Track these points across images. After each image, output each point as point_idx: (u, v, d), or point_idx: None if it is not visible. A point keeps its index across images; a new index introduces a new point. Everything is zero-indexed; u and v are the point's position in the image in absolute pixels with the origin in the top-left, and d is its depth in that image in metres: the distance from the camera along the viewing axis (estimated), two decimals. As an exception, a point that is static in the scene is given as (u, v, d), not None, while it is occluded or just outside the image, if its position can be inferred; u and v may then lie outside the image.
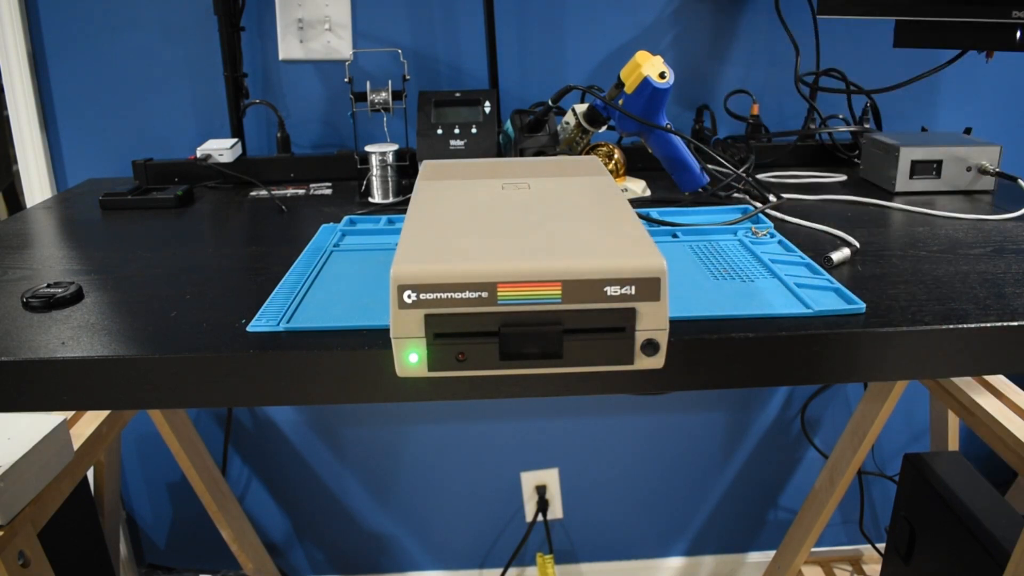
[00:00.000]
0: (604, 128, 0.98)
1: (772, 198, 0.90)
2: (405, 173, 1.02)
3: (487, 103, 1.06)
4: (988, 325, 0.57)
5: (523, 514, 1.56)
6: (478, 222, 0.58)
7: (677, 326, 0.58)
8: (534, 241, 0.54)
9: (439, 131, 1.03)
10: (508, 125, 1.02)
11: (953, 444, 1.28)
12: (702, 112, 1.24)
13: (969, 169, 0.97)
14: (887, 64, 1.24)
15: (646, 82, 0.88)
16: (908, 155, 0.97)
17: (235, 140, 1.14)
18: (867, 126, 1.15)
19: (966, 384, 0.97)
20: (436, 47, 1.23)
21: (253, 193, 1.08)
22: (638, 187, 0.99)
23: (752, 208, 0.88)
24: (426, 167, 0.76)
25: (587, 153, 1.00)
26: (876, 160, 1.03)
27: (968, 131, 1.10)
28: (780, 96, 1.26)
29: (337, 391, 0.57)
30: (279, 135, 1.17)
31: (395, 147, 1.00)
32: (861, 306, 0.60)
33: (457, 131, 1.03)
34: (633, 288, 0.51)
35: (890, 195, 0.98)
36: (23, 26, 1.17)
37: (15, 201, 1.33)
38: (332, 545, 1.57)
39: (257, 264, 0.75)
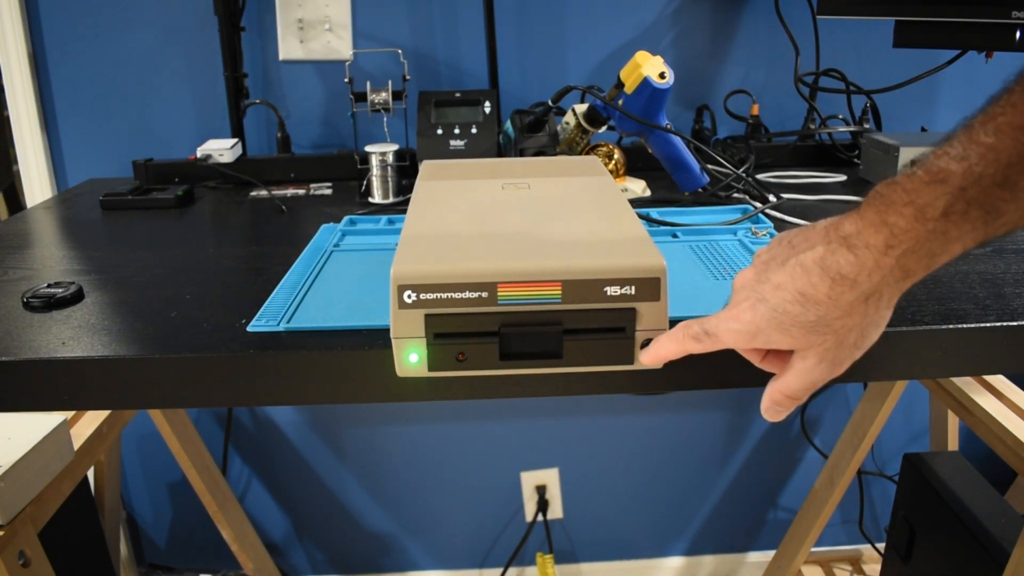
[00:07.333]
0: (604, 128, 0.98)
1: (772, 198, 0.90)
2: (405, 173, 1.02)
3: (487, 103, 1.06)
4: (988, 325, 0.57)
5: (523, 514, 1.56)
6: (478, 222, 0.58)
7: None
8: (534, 241, 0.54)
9: (439, 131, 1.03)
10: (508, 125, 1.02)
11: (953, 444, 1.28)
12: (702, 112, 1.24)
13: (969, 169, 0.97)
14: (887, 64, 1.23)
15: (646, 82, 0.88)
16: (908, 155, 0.97)
17: (235, 140, 1.14)
18: (867, 126, 1.15)
19: (966, 384, 0.97)
20: (436, 47, 1.23)
21: (253, 193, 1.08)
22: (638, 187, 0.99)
23: (752, 208, 0.88)
24: (426, 167, 0.76)
25: (587, 153, 1.00)
26: (876, 160, 1.03)
27: (968, 131, 1.09)
28: (780, 96, 1.26)
29: (337, 391, 0.57)
30: (279, 135, 1.17)
31: (395, 147, 1.00)
32: (861, 306, 0.60)
33: (457, 131, 1.03)
34: (633, 288, 0.51)
35: (890, 195, 0.98)
36: (23, 26, 1.17)
37: (15, 201, 1.33)
38: (332, 545, 1.57)
39: (257, 264, 0.75)
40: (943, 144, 0.39)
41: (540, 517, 1.55)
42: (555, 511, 1.55)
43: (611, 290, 0.51)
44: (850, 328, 0.44)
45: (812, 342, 0.45)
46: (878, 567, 1.49)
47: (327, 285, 0.67)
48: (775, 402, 0.49)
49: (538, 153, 0.96)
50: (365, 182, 1.01)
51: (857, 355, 0.46)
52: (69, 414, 0.90)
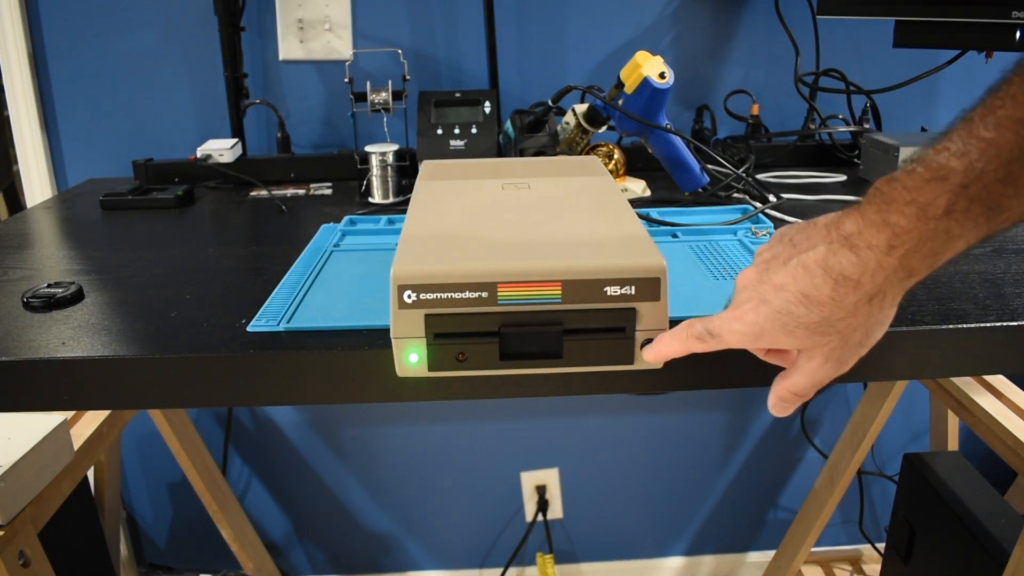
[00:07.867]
0: (604, 128, 0.98)
1: (772, 198, 0.90)
2: (405, 173, 1.02)
3: (487, 103, 1.06)
4: (988, 325, 0.57)
5: (523, 514, 1.56)
6: (478, 222, 0.58)
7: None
8: (534, 241, 0.54)
9: (439, 131, 1.03)
10: (508, 125, 1.02)
11: (953, 444, 1.28)
12: (702, 112, 1.24)
13: (969, 169, 0.97)
14: (887, 64, 1.23)
15: (646, 82, 0.88)
16: (908, 155, 0.96)
17: (235, 140, 1.14)
18: (867, 126, 1.15)
19: (966, 384, 0.97)
20: (436, 47, 1.23)
21: (253, 193, 1.08)
22: (638, 187, 0.99)
23: (752, 208, 0.88)
24: (426, 167, 0.76)
25: (587, 153, 1.00)
26: (876, 160, 1.03)
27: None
28: (780, 96, 1.26)
29: (337, 391, 0.57)
30: (279, 135, 1.17)
31: (395, 147, 1.00)
32: (861, 306, 0.60)
33: (457, 131, 1.03)
34: (633, 288, 0.51)
35: (890, 195, 0.98)
36: (23, 26, 1.17)
37: (15, 201, 1.33)
38: (332, 545, 1.57)
39: (257, 264, 0.75)
40: (942, 138, 0.37)
41: (540, 517, 1.55)
42: (555, 511, 1.55)
43: (611, 290, 0.51)
44: (854, 328, 0.44)
45: (817, 342, 0.45)
46: (878, 567, 1.49)
47: (327, 285, 0.67)
48: (781, 399, 0.49)
49: (538, 153, 0.96)
50: (365, 182, 1.01)
51: (863, 353, 0.46)
52: (69, 414, 0.90)
